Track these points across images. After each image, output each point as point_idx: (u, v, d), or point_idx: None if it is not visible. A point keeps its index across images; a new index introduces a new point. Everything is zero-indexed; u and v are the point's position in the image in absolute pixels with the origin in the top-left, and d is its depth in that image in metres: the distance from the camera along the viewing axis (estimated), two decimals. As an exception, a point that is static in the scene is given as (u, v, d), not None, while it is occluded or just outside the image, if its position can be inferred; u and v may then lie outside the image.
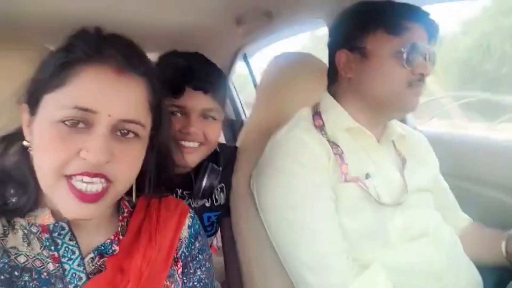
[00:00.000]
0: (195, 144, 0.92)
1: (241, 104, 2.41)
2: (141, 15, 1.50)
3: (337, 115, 0.93)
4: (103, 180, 0.55)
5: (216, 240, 1.23)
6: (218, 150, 1.07)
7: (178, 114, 0.91)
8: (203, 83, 0.91)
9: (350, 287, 0.78)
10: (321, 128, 0.92)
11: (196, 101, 0.91)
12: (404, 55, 0.82)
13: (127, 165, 0.57)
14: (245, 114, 2.43)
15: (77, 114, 0.53)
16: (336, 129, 0.91)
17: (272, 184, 0.89)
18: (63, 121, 0.53)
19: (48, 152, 0.54)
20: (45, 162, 0.54)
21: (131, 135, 0.57)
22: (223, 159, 1.06)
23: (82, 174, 0.53)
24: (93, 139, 0.53)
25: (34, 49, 0.68)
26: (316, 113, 0.96)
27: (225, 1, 1.46)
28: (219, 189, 1.08)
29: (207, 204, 1.07)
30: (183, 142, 0.91)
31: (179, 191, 1.00)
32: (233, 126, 2.34)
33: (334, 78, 0.97)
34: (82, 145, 0.53)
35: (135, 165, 0.60)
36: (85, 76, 0.54)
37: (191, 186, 1.00)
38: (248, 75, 2.29)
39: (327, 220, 0.83)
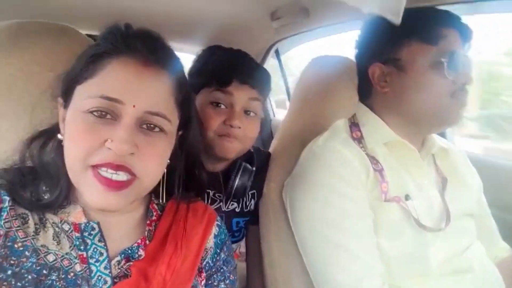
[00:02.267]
0: (234, 138, 0.93)
1: (270, 102, 2.37)
2: (177, 7, 1.50)
3: (377, 128, 0.88)
4: (127, 173, 0.55)
5: (240, 246, 1.21)
6: (252, 150, 1.06)
7: (222, 106, 0.92)
8: (250, 77, 0.93)
9: None
10: (359, 140, 0.87)
11: (242, 93, 0.92)
12: (445, 65, 0.78)
13: (152, 159, 0.58)
14: (274, 112, 2.39)
15: (104, 104, 0.54)
16: (375, 143, 0.86)
17: (307, 197, 0.85)
18: (91, 112, 0.54)
19: (75, 142, 0.55)
20: (72, 151, 0.55)
21: (157, 129, 0.58)
22: (256, 163, 1.04)
23: (107, 165, 0.53)
24: (118, 130, 0.54)
25: (78, 41, 0.67)
26: (353, 124, 0.91)
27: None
28: (250, 195, 1.06)
29: (237, 209, 1.05)
30: (224, 135, 0.92)
31: (211, 193, 0.99)
32: (261, 124, 2.31)
33: (367, 92, 0.92)
34: (107, 135, 0.53)
35: (161, 160, 0.60)
36: (112, 68, 0.56)
37: (220, 188, 0.99)
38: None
39: (365, 240, 0.79)
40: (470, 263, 0.83)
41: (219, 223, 0.75)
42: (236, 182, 0.98)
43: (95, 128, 0.54)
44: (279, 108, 2.47)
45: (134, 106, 0.54)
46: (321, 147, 0.88)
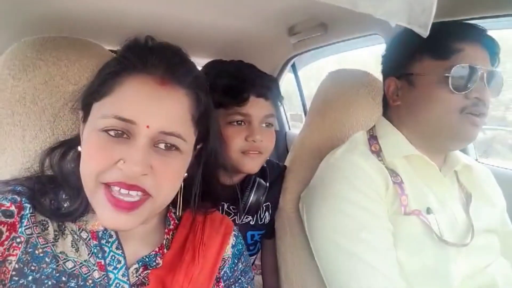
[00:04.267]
0: (257, 151, 0.94)
1: (286, 115, 2.37)
2: (194, 19, 1.53)
3: (396, 141, 0.86)
4: (139, 193, 0.54)
5: (255, 258, 1.20)
6: (265, 165, 1.05)
7: (242, 123, 0.93)
8: (265, 90, 0.93)
9: None
10: (378, 153, 0.86)
11: (259, 108, 0.93)
12: (450, 80, 0.76)
13: (166, 178, 0.56)
14: (289, 125, 2.38)
15: (117, 124, 0.53)
16: (394, 156, 0.85)
17: (324, 209, 0.83)
18: (106, 130, 0.53)
19: (88, 159, 0.55)
20: (85, 169, 0.55)
21: (172, 148, 0.57)
22: (270, 177, 1.04)
23: (119, 184, 0.53)
24: (131, 150, 0.53)
25: (101, 55, 0.69)
26: (372, 137, 0.90)
27: (280, 10, 1.44)
28: (264, 208, 1.06)
29: (252, 222, 1.05)
30: (248, 151, 0.92)
31: (225, 206, 0.99)
32: (276, 137, 2.31)
33: (385, 105, 0.94)
34: (121, 155, 0.53)
35: (175, 179, 0.59)
36: (128, 87, 0.55)
37: (236, 201, 0.99)
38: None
39: (384, 253, 0.76)
40: (493, 279, 0.80)
41: (236, 233, 0.75)
42: (251, 199, 0.98)
43: (109, 147, 0.53)
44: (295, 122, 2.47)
45: (148, 126, 0.53)
46: (339, 159, 0.88)
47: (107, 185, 0.53)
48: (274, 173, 1.06)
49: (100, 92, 0.56)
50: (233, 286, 0.70)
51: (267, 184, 1.01)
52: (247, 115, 0.91)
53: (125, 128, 0.54)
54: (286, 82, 2.18)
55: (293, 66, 2.10)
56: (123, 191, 0.53)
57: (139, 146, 0.53)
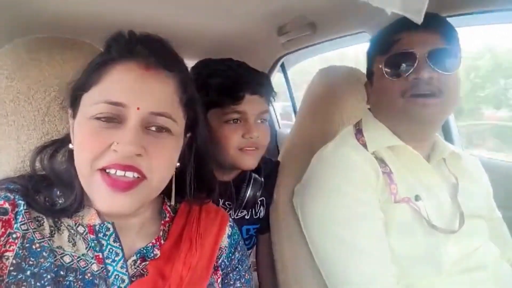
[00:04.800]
0: (254, 148, 0.96)
1: (276, 114, 2.39)
2: (184, 19, 1.53)
3: (378, 133, 0.89)
4: (135, 174, 0.55)
5: (250, 254, 1.21)
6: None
7: (238, 121, 0.94)
8: (259, 87, 0.94)
9: None
10: (365, 146, 0.89)
11: (254, 105, 0.94)
12: (383, 69, 0.83)
13: (160, 159, 0.58)
14: (279, 125, 2.40)
15: (108, 108, 0.55)
16: (377, 148, 0.88)
17: (318, 201, 0.86)
18: (97, 117, 0.55)
19: (82, 147, 0.56)
20: (80, 157, 0.56)
21: (163, 130, 0.58)
22: (264, 172, 1.06)
23: (114, 166, 0.54)
24: (124, 132, 0.54)
25: (93, 54, 0.69)
26: (358, 131, 0.93)
27: (269, 10, 1.45)
28: (259, 202, 1.07)
29: (247, 217, 1.06)
30: (246, 148, 0.94)
31: (221, 202, 1.00)
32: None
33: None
34: (113, 138, 0.54)
35: (169, 160, 0.61)
36: (115, 74, 0.57)
37: (231, 197, 1.00)
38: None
39: (376, 240, 0.79)
40: (483, 261, 0.83)
41: (231, 224, 0.77)
42: (248, 194, 0.99)
43: (101, 132, 0.54)
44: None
45: (138, 108, 0.55)
46: (331, 152, 0.90)
47: (103, 170, 0.54)
48: (267, 169, 1.08)
49: (89, 83, 0.58)
50: (231, 275, 0.72)
51: (262, 179, 1.03)
52: (243, 113, 0.93)
53: (116, 112, 0.55)
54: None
55: (282, 65, 2.12)
56: (119, 172, 0.54)
57: (131, 128, 0.54)
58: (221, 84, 0.92)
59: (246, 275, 0.75)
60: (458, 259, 0.81)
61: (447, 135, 1.36)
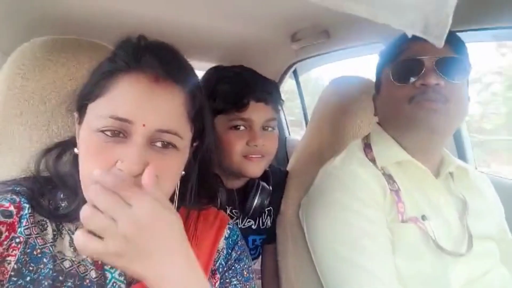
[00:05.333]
0: (259, 155, 0.94)
1: (286, 121, 2.38)
2: (198, 25, 1.54)
3: (387, 147, 0.88)
4: None
5: (255, 263, 1.21)
6: (268, 169, 1.06)
7: (242, 128, 0.93)
8: (264, 94, 0.93)
9: None
10: (374, 161, 0.87)
11: (260, 112, 0.93)
12: (390, 73, 0.83)
13: (164, 175, 0.56)
14: (289, 131, 2.39)
15: (114, 124, 0.53)
16: (386, 163, 0.86)
17: (324, 217, 0.85)
18: (102, 131, 0.53)
19: (87, 160, 0.54)
20: (84, 170, 0.54)
21: (169, 146, 0.57)
22: (273, 181, 1.05)
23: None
24: (128, 150, 0.52)
25: (105, 55, 0.70)
26: (367, 146, 0.92)
27: (283, 17, 1.45)
28: (266, 212, 1.06)
29: (253, 227, 1.05)
30: (250, 155, 0.93)
31: (228, 210, 0.99)
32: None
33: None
34: (118, 156, 0.52)
35: (173, 177, 0.59)
36: (122, 86, 0.55)
37: (239, 205, 0.99)
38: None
39: (382, 260, 0.77)
40: (493, 285, 0.81)
41: (231, 226, 0.75)
42: (255, 202, 0.98)
43: (107, 148, 0.53)
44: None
45: (144, 125, 0.53)
46: (337, 168, 0.89)
47: None
48: (276, 178, 1.07)
49: (94, 93, 0.56)
50: (226, 274, 0.71)
51: (270, 188, 1.02)
52: (248, 120, 0.92)
53: (121, 127, 0.53)
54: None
55: (295, 72, 2.12)
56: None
57: (136, 145, 0.53)
58: (226, 90, 0.92)
59: (245, 272, 0.72)
60: (467, 283, 0.79)
61: (460, 149, 1.34)
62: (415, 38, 0.78)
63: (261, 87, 0.94)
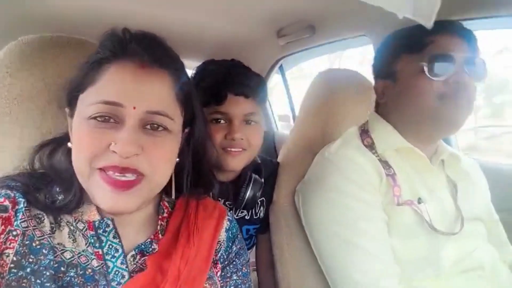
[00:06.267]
0: (239, 149, 0.94)
1: (273, 116, 2.40)
2: (184, 20, 1.54)
3: (387, 134, 0.90)
4: (134, 174, 0.56)
5: (249, 254, 1.22)
6: (259, 162, 1.07)
7: (222, 121, 0.93)
8: (244, 88, 0.93)
9: None
10: (370, 147, 0.90)
11: (239, 106, 0.93)
12: (427, 67, 0.80)
13: (158, 157, 0.58)
14: (276, 126, 2.40)
15: (105, 109, 0.55)
16: (386, 149, 0.89)
17: (321, 201, 0.87)
18: (94, 117, 0.55)
19: (80, 147, 0.56)
20: (78, 157, 0.56)
21: (160, 128, 0.59)
22: (264, 173, 1.06)
23: (113, 168, 0.54)
24: (121, 132, 0.54)
25: (91, 50, 0.70)
26: (364, 132, 0.94)
27: (269, 13, 1.47)
28: (259, 203, 1.07)
29: (247, 217, 1.06)
30: (228, 148, 0.93)
31: (221, 201, 1.00)
32: (264, 138, 2.33)
33: (377, 104, 0.98)
34: (111, 138, 0.54)
35: (167, 158, 0.61)
36: (111, 73, 0.57)
37: (232, 197, 1.00)
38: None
39: (380, 241, 0.80)
40: (480, 261, 0.84)
41: (230, 218, 0.77)
42: (247, 194, 0.99)
43: (99, 132, 0.55)
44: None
45: (134, 107, 0.55)
46: (334, 154, 0.91)
47: (102, 170, 0.55)
48: (268, 170, 1.08)
49: (84, 83, 0.58)
50: (227, 268, 0.72)
51: (262, 180, 1.03)
52: (226, 114, 0.92)
53: (113, 112, 0.55)
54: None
55: (281, 67, 2.13)
56: (117, 174, 0.54)
57: (128, 128, 0.55)
58: (207, 83, 0.93)
59: (244, 268, 0.75)
60: (457, 261, 0.82)
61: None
62: (441, 30, 0.81)
63: (241, 80, 0.94)
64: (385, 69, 0.91)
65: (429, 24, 0.31)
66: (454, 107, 0.81)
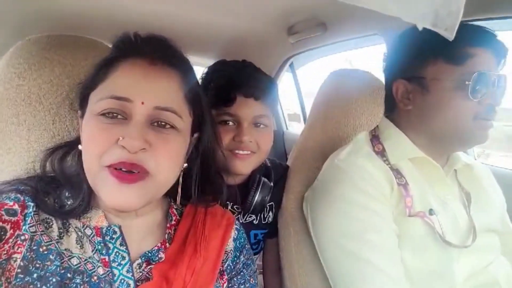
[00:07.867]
0: (247, 152, 0.93)
1: (283, 115, 2.38)
2: (195, 19, 1.53)
3: (400, 143, 0.87)
4: (140, 171, 0.56)
5: (257, 258, 1.21)
6: (269, 165, 1.06)
7: (230, 123, 0.92)
8: (253, 90, 0.91)
9: None
10: (381, 154, 0.86)
11: (248, 108, 0.91)
12: (470, 87, 0.75)
13: (165, 155, 0.58)
14: (286, 125, 2.38)
15: (114, 104, 0.56)
16: (399, 159, 0.85)
17: (329, 211, 0.84)
18: (103, 114, 0.56)
19: (90, 143, 0.57)
20: (87, 153, 0.57)
21: (168, 126, 0.59)
22: (274, 177, 1.04)
23: (120, 164, 0.54)
24: (129, 127, 0.55)
25: (105, 53, 0.69)
26: (375, 138, 0.90)
27: (280, 10, 1.44)
28: (268, 207, 1.06)
29: (255, 222, 1.05)
30: (236, 150, 0.91)
31: (230, 205, 0.99)
32: (274, 137, 2.32)
33: (392, 107, 0.91)
34: (119, 133, 0.55)
35: (174, 157, 0.60)
36: (121, 70, 0.59)
37: (240, 201, 0.98)
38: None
39: (389, 254, 0.77)
40: (495, 277, 0.81)
41: (237, 227, 0.76)
42: (256, 198, 0.97)
43: (108, 128, 0.55)
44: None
45: (142, 103, 0.56)
46: (343, 161, 0.87)
47: (110, 167, 0.55)
48: (277, 173, 1.07)
49: (95, 81, 0.59)
50: (235, 279, 0.71)
51: (271, 184, 1.01)
52: (235, 116, 0.91)
53: (121, 108, 0.56)
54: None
55: (291, 65, 2.11)
56: (124, 169, 0.54)
57: (136, 123, 0.55)
58: (216, 85, 0.92)
59: (251, 279, 0.74)
60: (471, 275, 0.79)
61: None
62: (482, 43, 0.76)
63: (251, 82, 0.92)
64: (409, 70, 0.84)
65: (450, 36, 0.29)
66: (485, 127, 0.79)
